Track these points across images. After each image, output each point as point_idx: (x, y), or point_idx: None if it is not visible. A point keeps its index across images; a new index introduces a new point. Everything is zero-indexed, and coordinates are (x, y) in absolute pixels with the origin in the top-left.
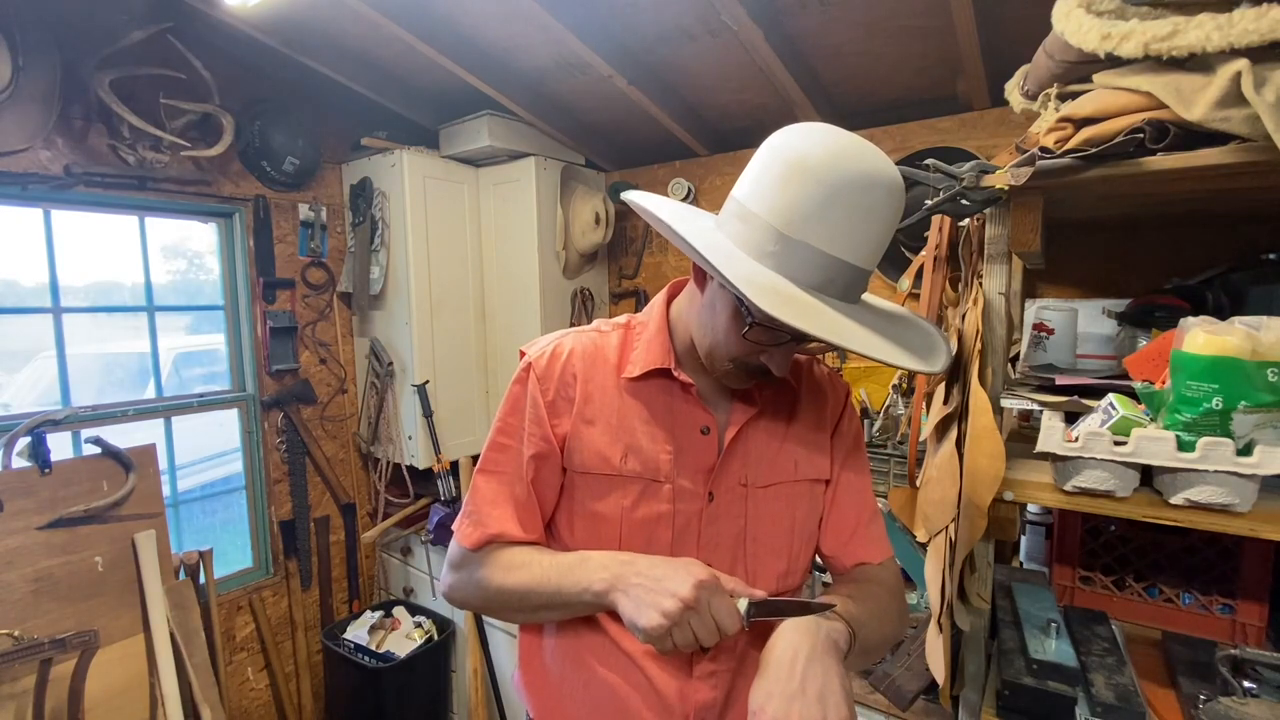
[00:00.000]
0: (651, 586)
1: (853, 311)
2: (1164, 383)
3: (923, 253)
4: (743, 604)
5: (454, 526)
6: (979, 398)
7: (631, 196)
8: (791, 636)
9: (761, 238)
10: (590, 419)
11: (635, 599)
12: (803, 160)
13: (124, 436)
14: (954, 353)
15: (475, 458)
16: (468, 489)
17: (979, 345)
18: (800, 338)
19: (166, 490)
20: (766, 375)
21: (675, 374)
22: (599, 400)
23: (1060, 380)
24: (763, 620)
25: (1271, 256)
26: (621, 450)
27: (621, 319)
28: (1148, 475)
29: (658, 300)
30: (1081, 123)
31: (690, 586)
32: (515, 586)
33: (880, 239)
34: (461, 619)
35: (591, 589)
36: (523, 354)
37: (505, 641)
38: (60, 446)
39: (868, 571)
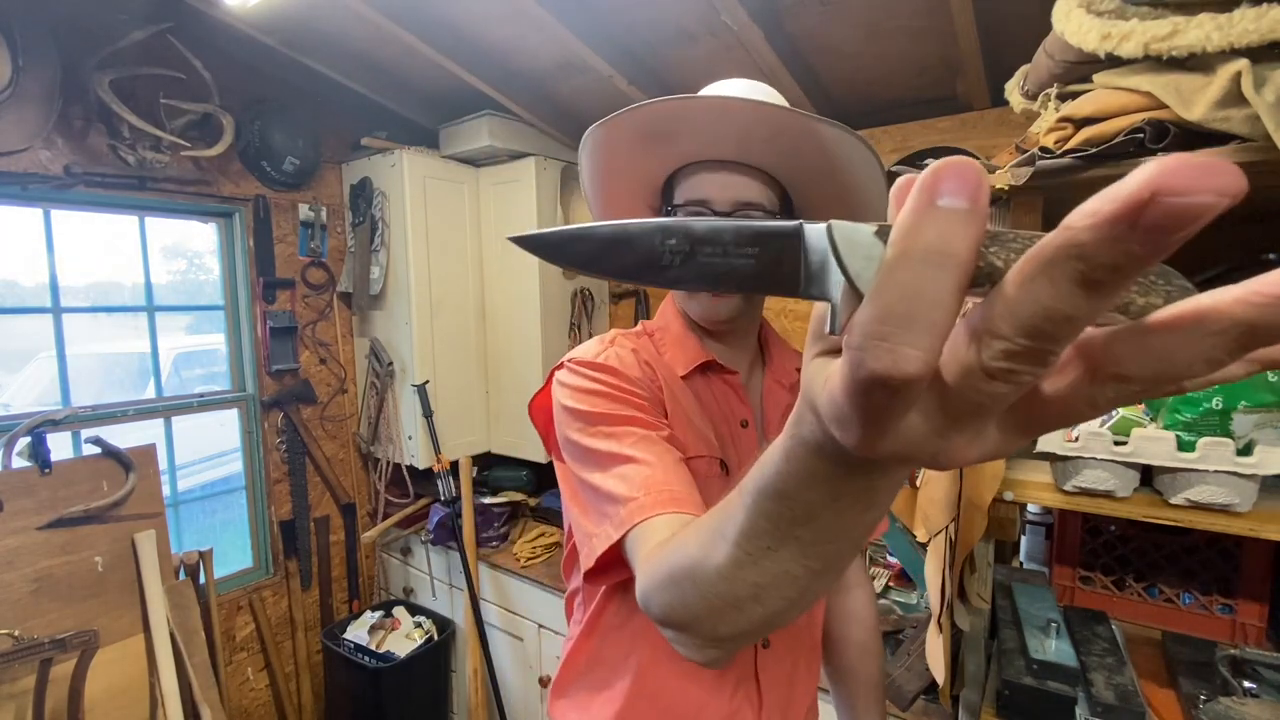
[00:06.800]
0: None
1: None
2: None
3: None
4: None
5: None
6: None
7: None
8: None
9: None
10: (668, 409)
11: None
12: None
13: (124, 436)
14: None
15: (475, 458)
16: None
17: None
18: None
19: (166, 490)
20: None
21: (721, 363)
22: (666, 391)
23: None
24: None
25: (1271, 256)
26: (694, 438)
27: (636, 328)
28: (1148, 475)
29: (667, 304)
30: (1081, 123)
31: None
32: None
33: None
34: (461, 619)
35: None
36: (563, 364)
37: (505, 641)
38: (60, 446)
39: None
